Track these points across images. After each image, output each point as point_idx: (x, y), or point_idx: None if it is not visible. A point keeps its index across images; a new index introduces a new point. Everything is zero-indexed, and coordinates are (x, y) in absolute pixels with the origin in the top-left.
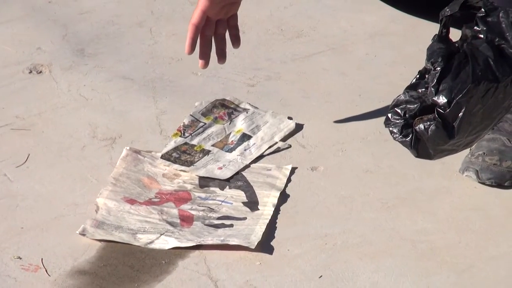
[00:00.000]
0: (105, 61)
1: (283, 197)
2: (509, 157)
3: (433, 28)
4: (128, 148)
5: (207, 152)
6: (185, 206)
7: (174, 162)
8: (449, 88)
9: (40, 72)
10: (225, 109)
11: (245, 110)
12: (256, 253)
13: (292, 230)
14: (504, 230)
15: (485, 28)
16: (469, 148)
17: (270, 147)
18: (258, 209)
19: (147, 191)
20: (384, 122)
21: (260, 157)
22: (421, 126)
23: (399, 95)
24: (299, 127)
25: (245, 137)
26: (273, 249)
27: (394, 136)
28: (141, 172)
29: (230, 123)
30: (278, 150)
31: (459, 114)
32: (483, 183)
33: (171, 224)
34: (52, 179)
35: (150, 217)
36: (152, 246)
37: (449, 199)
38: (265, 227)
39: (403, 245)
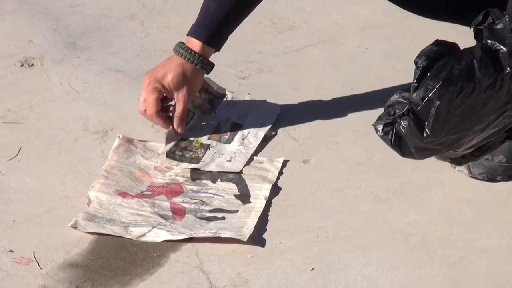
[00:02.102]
0: (96, 54)
1: (275, 189)
2: (500, 151)
3: (425, 21)
4: (120, 136)
5: (207, 146)
6: (177, 199)
7: (181, 161)
8: (425, 86)
9: (32, 65)
10: (206, 94)
11: (223, 96)
12: (248, 246)
13: (284, 222)
14: (495, 222)
15: (487, 34)
16: None
17: (266, 134)
18: (250, 202)
19: (139, 184)
20: (375, 122)
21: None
22: (399, 123)
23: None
24: (285, 113)
25: (236, 126)
26: (265, 241)
27: (378, 133)
28: (133, 164)
29: (215, 113)
30: (267, 138)
31: (432, 112)
32: (475, 178)
33: (163, 217)
34: (43, 172)
35: (142, 210)
36: (144, 239)
37: (441, 192)
38: (257, 219)
39: (395, 237)
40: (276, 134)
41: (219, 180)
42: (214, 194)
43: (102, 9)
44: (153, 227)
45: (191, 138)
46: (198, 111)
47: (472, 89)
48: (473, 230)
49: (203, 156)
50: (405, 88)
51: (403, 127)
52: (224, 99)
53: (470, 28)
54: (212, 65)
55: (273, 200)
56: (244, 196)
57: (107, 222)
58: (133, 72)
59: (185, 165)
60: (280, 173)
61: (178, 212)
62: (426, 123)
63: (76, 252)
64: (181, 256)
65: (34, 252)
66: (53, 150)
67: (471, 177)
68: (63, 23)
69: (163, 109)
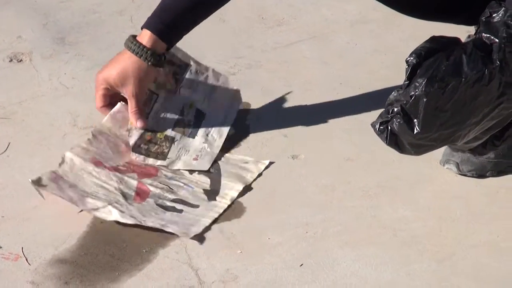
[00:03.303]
0: (85, 49)
1: (264, 185)
2: (489, 148)
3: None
4: (123, 103)
5: (172, 140)
6: (147, 181)
7: (147, 155)
8: (413, 84)
9: (21, 60)
10: (171, 66)
11: (187, 65)
12: (237, 241)
13: (272, 218)
14: (484, 218)
15: (482, 28)
16: None
17: (228, 133)
18: (215, 200)
19: (119, 158)
20: (375, 120)
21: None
22: (392, 121)
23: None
24: (274, 109)
25: (200, 116)
26: (253, 237)
27: (376, 132)
28: (123, 137)
29: (179, 93)
30: (230, 137)
31: (420, 108)
32: (464, 175)
33: (124, 195)
34: (32, 167)
35: (108, 183)
36: (95, 213)
37: (430, 188)
38: (211, 220)
39: (384, 233)
40: (235, 132)
41: (196, 172)
42: (185, 184)
43: (91, 5)
44: (109, 204)
45: (155, 130)
46: (162, 91)
47: (459, 84)
48: (462, 226)
49: (168, 151)
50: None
51: (395, 125)
52: (188, 71)
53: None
54: (163, 59)
55: (262, 196)
56: (212, 193)
57: (69, 187)
58: None
59: (151, 161)
60: (259, 175)
61: (141, 194)
62: (415, 120)
63: (64, 248)
64: (170, 252)
65: (22, 248)
66: (42, 146)
67: (460, 174)
68: (52, 18)
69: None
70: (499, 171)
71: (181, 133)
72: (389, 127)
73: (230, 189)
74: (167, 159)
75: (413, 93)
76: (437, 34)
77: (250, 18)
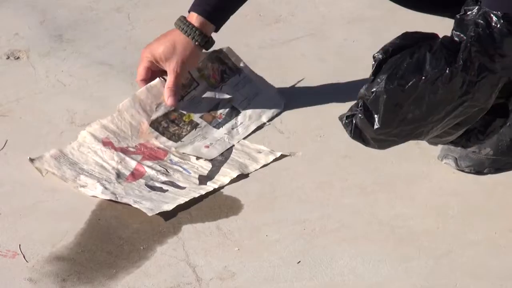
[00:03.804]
0: (83, 46)
1: (262, 182)
2: (487, 144)
3: (412, 13)
4: (161, 79)
5: (195, 126)
6: (147, 163)
7: (162, 133)
8: (376, 80)
9: (18, 58)
10: (220, 64)
11: (239, 71)
12: (234, 239)
13: (270, 215)
14: (482, 215)
15: (455, 26)
16: None
17: (257, 127)
18: (205, 184)
19: (134, 139)
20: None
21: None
22: (356, 116)
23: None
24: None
25: (233, 112)
26: (251, 234)
27: (342, 125)
28: (148, 113)
29: (221, 88)
30: (260, 127)
31: (380, 105)
32: (462, 171)
33: (118, 175)
34: (30, 165)
35: (108, 162)
36: (82, 189)
37: (427, 184)
38: (189, 199)
39: (382, 230)
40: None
41: (203, 158)
42: (184, 169)
43: (88, 2)
44: (98, 181)
45: (184, 112)
46: (204, 83)
47: (419, 82)
48: (459, 223)
49: (186, 135)
50: None
51: (358, 119)
52: (238, 75)
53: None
54: (211, 42)
55: (260, 193)
56: (206, 178)
57: (68, 165)
58: (119, 65)
59: (163, 140)
60: (265, 166)
61: (136, 174)
62: (376, 116)
63: (62, 245)
64: (168, 249)
65: (20, 245)
66: (40, 143)
67: (458, 169)
68: (49, 15)
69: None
70: (497, 168)
71: (208, 122)
72: (353, 121)
73: (224, 175)
74: (179, 142)
75: (374, 89)
76: (432, 31)
77: (248, 15)
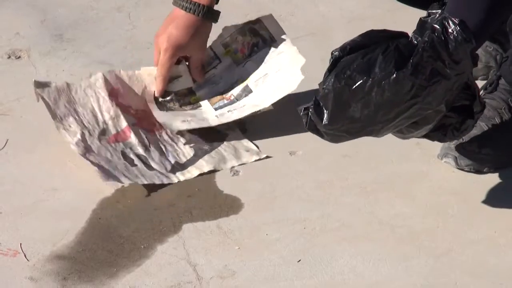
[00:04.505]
0: (83, 46)
1: (262, 181)
2: (488, 143)
3: (412, 13)
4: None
5: (197, 107)
6: (136, 129)
7: (162, 104)
8: (328, 77)
9: (19, 57)
10: (253, 37)
11: (273, 42)
12: (234, 237)
13: (270, 214)
14: (482, 214)
15: (416, 29)
16: None
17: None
18: (174, 174)
19: (140, 100)
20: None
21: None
22: (310, 108)
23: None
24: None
25: (244, 93)
26: (251, 233)
27: (300, 115)
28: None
29: (244, 65)
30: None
31: (329, 102)
32: (462, 170)
33: (104, 131)
34: (30, 164)
35: (102, 113)
36: (63, 132)
37: (427, 184)
38: (145, 183)
39: (382, 229)
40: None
41: (191, 145)
42: (166, 150)
43: (88, 1)
44: (81, 130)
45: (196, 92)
46: (228, 59)
47: (366, 83)
48: (459, 222)
49: (183, 111)
50: None
51: (311, 112)
52: (268, 47)
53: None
54: (218, 12)
55: (260, 192)
56: (180, 166)
57: (66, 102)
58: (120, 64)
59: (162, 110)
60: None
61: (119, 136)
62: (325, 111)
63: (63, 244)
64: (168, 248)
65: (21, 244)
66: (40, 142)
67: (458, 168)
68: (50, 15)
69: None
70: (496, 167)
71: (212, 104)
72: (308, 114)
73: (197, 168)
74: (162, 111)
75: (324, 86)
76: None
77: (248, 14)
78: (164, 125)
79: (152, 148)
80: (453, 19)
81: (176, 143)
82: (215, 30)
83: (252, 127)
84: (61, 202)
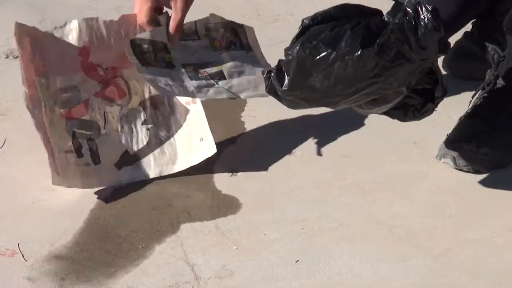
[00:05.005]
0: None
1: (260, 181)
2: (486, 143)
3: None
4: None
5: (172, 66)
6: (96, 104)
7: (136, 52)
8: (294, 43)
9: (17, 57)
10: (233, 36)
11: (248, 49)
12: (233, 237)
13: (268, 214)
14: (480, 214)
15: (391, 8)
16: (446, 135)
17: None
18: (97, 164)
19: (112, 52)
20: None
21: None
22: (270, 72)
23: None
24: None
25: (218, 76)
26: (249, 233)
27: (263, 77)
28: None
29: (220, 53)
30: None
31: (291, 68)
32: (460, 170)
33: (62, 102)
34: (29, 164)
35: (71, 73)
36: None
37: (425, 184)
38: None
39: (380, 229)
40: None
41: (147, 127)
42: (117, 135)
43: (87, 1)
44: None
45: (169, 51)
46: (206, 41)
47: (329, 56)
48: (457, 222)
49: (156, 67)
50: None
51: (273, 76)
52: (245, 51)
53: None
54: None
55: (258, 192)
56: (117, 161)
57: (45, 46)
58: None
59: (133, 58)
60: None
61: (73, 112)
62: (286, 77)
63: (60, 244)
64: (166, 248)
65: (18, 244)
66: (38, 142)
67: (456, 169)
68: (48, 14)
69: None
70: (495, 167)
71: (185, 70)
72: (270, 77)
73: (141, 170)
74: (144, 66)
75: (289, 52)
76: None
77: (246, 14)
78: (149, 82)
79: (97, 141)
80: (427, 6)
81: (134, 125)
82: (203, 14)
83: (250, 127)
84: (59, 202)
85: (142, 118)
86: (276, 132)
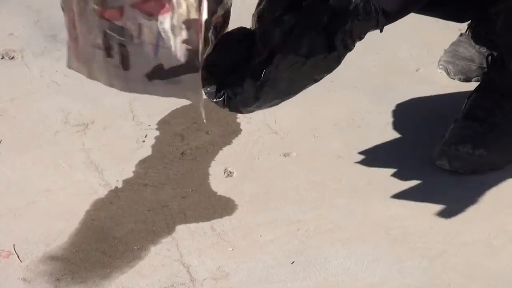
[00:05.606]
0: None
1: (255, 183)
2: (481, 144)
3: (411, 14)
4: None
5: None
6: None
7: None
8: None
9: (12, 57)
10: (223, 24)
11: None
12: (228, 239)
13: (264, 216)
14: (476, 215)
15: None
16: (442, 136)
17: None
18: None
19: None
20: None
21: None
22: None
23: None
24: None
25: None
26: (245, 235)
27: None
28: None
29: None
30: None
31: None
32: (456, 171)
33: None
34: (24, 165)
35: None
36: None
37: (421, 185)
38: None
39: (375, 231)
40: None
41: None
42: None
43: None
44: None
45: None
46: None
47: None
48: (453, 223)
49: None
50: None
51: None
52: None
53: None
54: None
55: (254, 194)
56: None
57: None
58: None
59: None
60: (246, 166)
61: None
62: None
63: (56, 245)
64: (161, 249)
65: (14, 245)
66: (34, 143)
67: (451, 170)
68: (44, 15)
69: None
70: (490, 168)
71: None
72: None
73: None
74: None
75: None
76: (427, 34)
77: (246, 15)
78: None
79: (139, 41)
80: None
81: (174, 38)
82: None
83: (245, 128)
84: (54, 203)
85: (184, 37)
86: (271, 133)
